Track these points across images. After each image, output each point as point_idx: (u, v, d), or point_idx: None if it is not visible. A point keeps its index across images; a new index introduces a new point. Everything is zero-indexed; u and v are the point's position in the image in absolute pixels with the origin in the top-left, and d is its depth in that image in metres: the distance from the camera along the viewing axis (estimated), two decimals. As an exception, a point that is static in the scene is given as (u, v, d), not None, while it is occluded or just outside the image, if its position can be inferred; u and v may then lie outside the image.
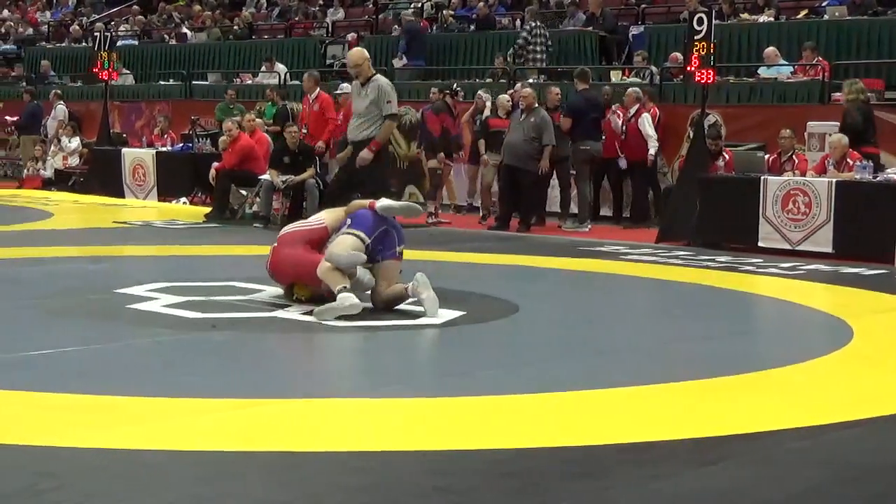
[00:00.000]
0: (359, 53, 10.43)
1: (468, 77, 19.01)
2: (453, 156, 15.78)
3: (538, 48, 18.33)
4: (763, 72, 16.08)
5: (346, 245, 7.64)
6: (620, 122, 14.82)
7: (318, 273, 7.60)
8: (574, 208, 14.90)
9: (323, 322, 7.29)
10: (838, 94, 14.87)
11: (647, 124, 14.71)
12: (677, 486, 4.25)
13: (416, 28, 20.64)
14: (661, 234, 13.22)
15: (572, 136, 14.57)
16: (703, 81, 12.94)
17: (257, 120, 16.32)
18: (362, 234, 7.76)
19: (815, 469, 4.57)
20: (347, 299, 7.39)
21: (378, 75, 10.43)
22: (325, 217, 8.18)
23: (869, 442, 5.01)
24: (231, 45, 23.54)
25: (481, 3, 21.02)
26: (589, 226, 14.55)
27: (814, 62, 15.45)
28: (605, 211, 15.59)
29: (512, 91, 16.00)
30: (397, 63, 20.14)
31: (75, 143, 20.21)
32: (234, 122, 15.10)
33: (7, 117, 23.16)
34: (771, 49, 15.99)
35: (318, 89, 15.32)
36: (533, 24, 18.49)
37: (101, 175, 18.38)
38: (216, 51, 23.53)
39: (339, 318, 7.35)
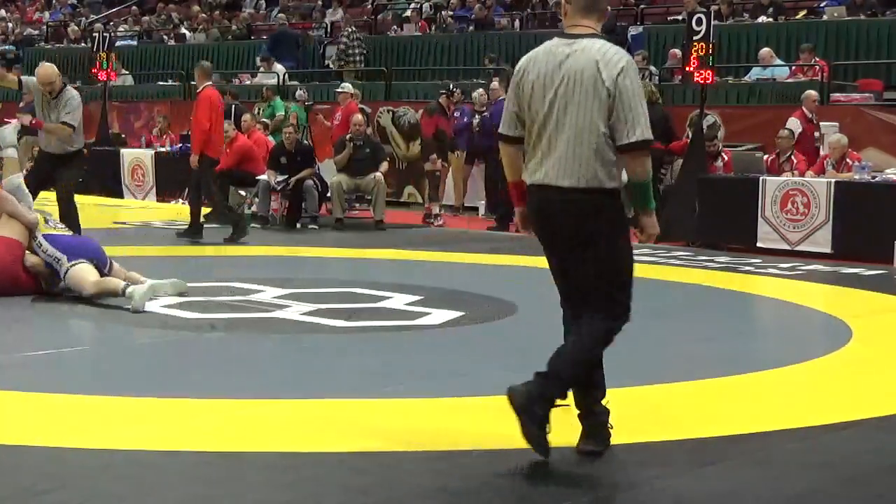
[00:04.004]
0: (52, 69, 10.27)
1: (465, 77, 19.02)
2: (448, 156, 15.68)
3: (356, 52, 20.23)
4: (758, 72, 16.08)
5: (89, 273, 7.94)
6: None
7: (92, 291, 7.85)
8: None
9: (144, 310, 7.48)
10: (838, 94, 14.90)
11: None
12: (677, 487, 4.26)
13: (285, 31, 21.98)
14: (660, 234, 13.19)
15: None
16: (702, 82, 12.94)
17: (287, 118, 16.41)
18: (87, 261, 8.04)
19: (814, 470, 4.57)
20: (141, 287, 7.69)
21: (68, 87, 10.33)
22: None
23: (868, 442, 5.01)
24: (230, 46, 23.55)
25: (478, 5, 21.04)
26: None
27: (811, 63, 15.46)
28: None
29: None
30: (259, 63, 21.33)
31: (75, 143, 20.19)
32: (230, 123, 15.08)
33: (6, 119, 23.12)
34: (766, 50, 16.00)
35: (206, 84, 12.47)
36: (350, 30, 20.42)
37: (99, 175, 18.36)
38: (215, 51, 23.52)
39: (329, 315, 7.40)
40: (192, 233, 12.27)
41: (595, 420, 4.55)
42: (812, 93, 14.24)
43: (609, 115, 4.35)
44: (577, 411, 4.58)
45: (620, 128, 4.33)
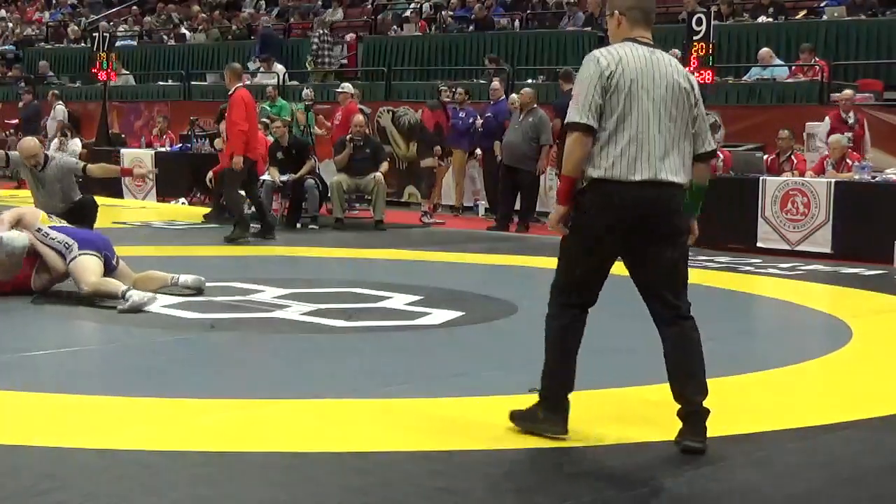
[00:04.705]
0: (34, 142, 10.37)
1: (465, 77, 19.03)
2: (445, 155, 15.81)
3: (326, 53, 20.83)
4: (757, 72, 16.07)
5: (94, 267, 7.92)
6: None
7: (89, 291, 7.85)
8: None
9: (132, 311, 7.49)
10: (838, 94, 14.89)
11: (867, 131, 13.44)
12: (677, 487, 4.25)
13: (271, 33, 22.50)
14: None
15: (559, 138, 14.42)
16: (701, 82, 12.94)
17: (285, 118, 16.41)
18: (97, 254, 8.04)
19: (814, 470, 4.57)
20: (141, 294, 7.70)
21: (52, 157, 10.36)
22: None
23: (868, 443, 5.01)
24: (230, 46, 23.56)
25: (478, 5, 21.04)
26: None
27: (811, 63, 15.46)
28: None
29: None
30: (252, 66, 21.79)
31: (76, 144, 20.20)
32: None
33: (7, 120, 23.12)
34: (765, 50, 15.99)
35: (238, 84, 12.51)
36: (321, 32, 20.99)
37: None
38: (215, 51, 23.53)
39: (325, 315, 7.43)
40: (265, 231, 12.70)
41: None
42: (848, 92, 13.86)
43: (693, 122, 4.73)
44: (557, 402, 4.75)
45: (703, 136, 4.76)
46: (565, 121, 4.70)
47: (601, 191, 4.60)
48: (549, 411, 4.75)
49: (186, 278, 8.44)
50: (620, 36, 4.72)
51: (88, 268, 7.90)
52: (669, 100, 4.63)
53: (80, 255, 7.94)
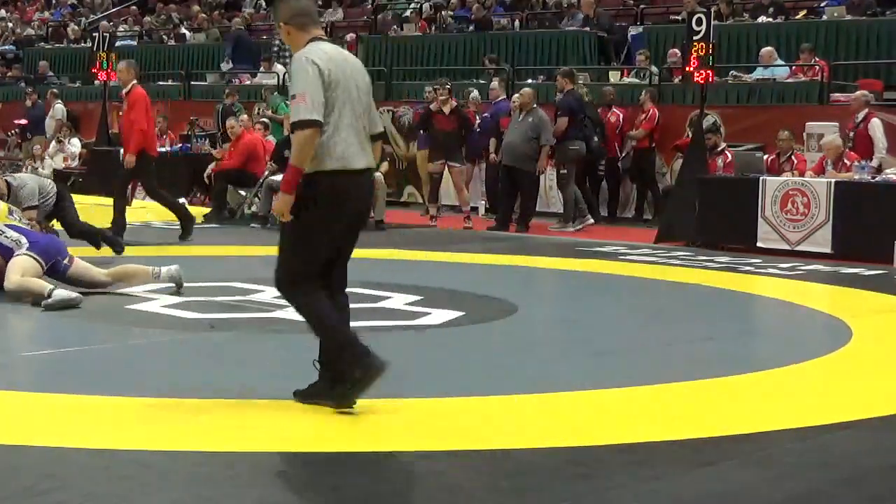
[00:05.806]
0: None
1: (465, 77, 19.03)
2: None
3: (288, 52, 20.59)
4: (758, 72, 16.06)
5: (24, 266, 7.93)
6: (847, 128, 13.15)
7: (12, 288, 7.86)
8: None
9: (49, 310, 7.47)
10: (838, 94, 14.89)
11: (878, 130, 13.05)
12: (677, 487, 4.25)
13: (242, 35, 22.72)
14: (661, 234, 13.22)
15: (562, 137, 14.40)
16: (702, 82, 12.93)
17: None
18: (41, 260, 8.07)
19: (813, 470, 4.57)
20: (63, 293, 7.69)
21: (13, 180, 10.13)
22: None
23: (868, 442, 5.02)
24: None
25: (478, 5, 21.03)
26: (576, 226, 14.42)
27: (811, 63, 15.46)
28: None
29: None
30: (224, 66, 22.16)
31: (75, 144, 20.23)
32: (237, 121, 15.12)
33: (15, 120, 23.13)
34: (766, 50, 15.98)
35: (134, 82, 12.25)
36: None
37: (99, 175, 18.35)
38: (215, 51, 23.52)
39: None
40: (117, 233, 11.78)
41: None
42: (860, 92, 13.61)
43: (368, 108, 5.19)
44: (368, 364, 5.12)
45: (375, 119, 5.26)
46: (293, 119, 4.94)
47: (337, 181, 4.95)
48: (359, 374, 5.05)
49: (170, 269, 8.46)
50: (301, 39, 5.12)
51: (19, 267, 7.94)
52: (361, 89, 5.08)
53: (19, 254, 8.03)
